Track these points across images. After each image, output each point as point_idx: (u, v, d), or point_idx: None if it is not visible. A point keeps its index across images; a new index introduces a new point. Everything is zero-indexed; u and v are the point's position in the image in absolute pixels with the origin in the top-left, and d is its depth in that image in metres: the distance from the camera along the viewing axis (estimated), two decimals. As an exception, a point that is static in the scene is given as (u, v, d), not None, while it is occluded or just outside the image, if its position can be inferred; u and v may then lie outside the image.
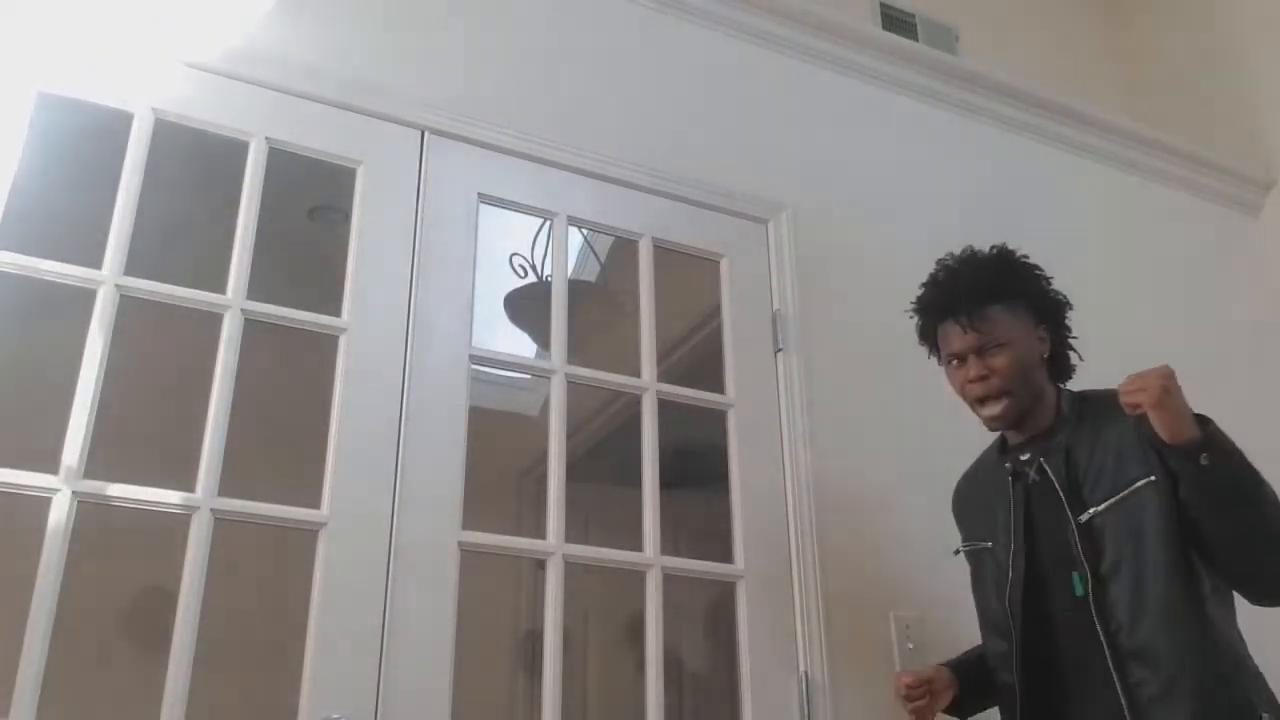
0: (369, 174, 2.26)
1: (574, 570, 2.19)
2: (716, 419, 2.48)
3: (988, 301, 1.87)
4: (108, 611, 2.95)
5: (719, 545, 2.39)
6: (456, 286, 2.26)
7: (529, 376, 2.80)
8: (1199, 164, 3.59)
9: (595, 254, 3.30)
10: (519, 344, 3.06)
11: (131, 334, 1.98)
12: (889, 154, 3.01)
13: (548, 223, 2.53)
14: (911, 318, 1.99)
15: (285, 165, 2.20)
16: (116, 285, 1.96)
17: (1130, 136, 3.47)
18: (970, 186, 3.11)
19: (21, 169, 1.96)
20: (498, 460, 3.33)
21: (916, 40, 3.40)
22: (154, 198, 2.06)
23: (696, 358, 2.79)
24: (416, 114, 2.34)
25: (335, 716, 1.82)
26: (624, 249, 2.78)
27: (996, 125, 3.24)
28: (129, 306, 1.96)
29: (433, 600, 2.00)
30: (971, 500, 2.00)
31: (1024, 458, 1.85)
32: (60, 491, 1.80)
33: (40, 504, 1.78)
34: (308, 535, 1.97)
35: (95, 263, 1.96)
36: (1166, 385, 1.64)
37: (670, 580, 2.27)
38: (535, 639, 2.48)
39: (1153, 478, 1.69)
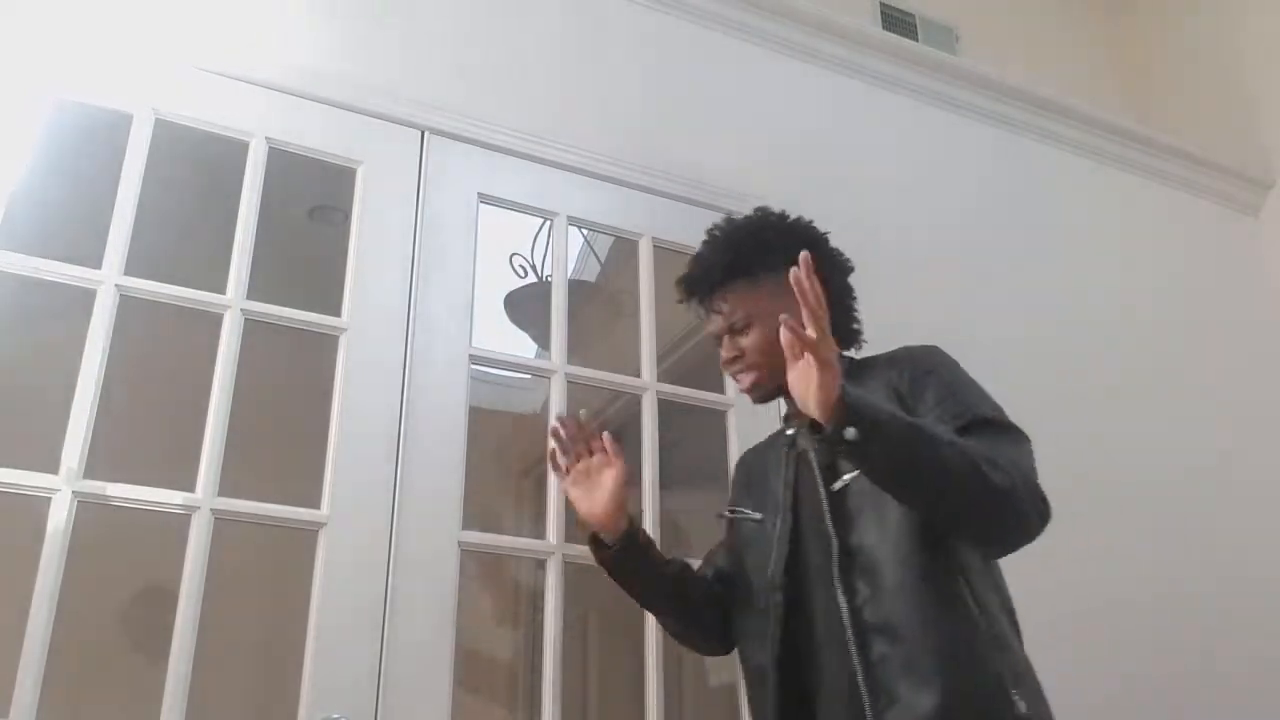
0: (369, 174, 2.26)
1: (574, 570, 2.19)
2: (716, 419, 2.48)
3: (726, 281, 1.72)
4: (108, 611, 2.95)
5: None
6: (456, 286, 2.26)
7: (529, 376, 2.80)
8: (1199, 164, 3.59)
9: (595, 254, 3.30)
10: (519, 344, 3.06)
11: (131, 334, 1.98)
12: (889, 154, 3.01)
13: (548, 223, 2.53)
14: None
15: (285, 165, 2.21)
16: (116, 285, 1.96)
17: (1130, 136, 3.47)
18: (970, 186, 3.11)
19: (22, 169, 1.96)
20: (498, 460, 3.34)
21: (916, 40, 3.40)
22: (154, 198, 2.06)
23: (696, 358, 2.79)
24: (416, 114, 2.34)
25: (335, 716, 1.82)
26: (624, 249, 2.78)
27: (996, 125, 3.24)
28: (129, 306, 1.96)
29: (433, 600, 2.00)
30: (753, 470, 1.77)
31: (789, 431, 1.69)
32: (60, 491, 1.80)
33: (40, 504, 1.78)
34: (308, 535, 1.96)
35: (95, 263, 1.96)
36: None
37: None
38: (535, 639, 2.47)
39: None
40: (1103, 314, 3.16)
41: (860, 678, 1.44)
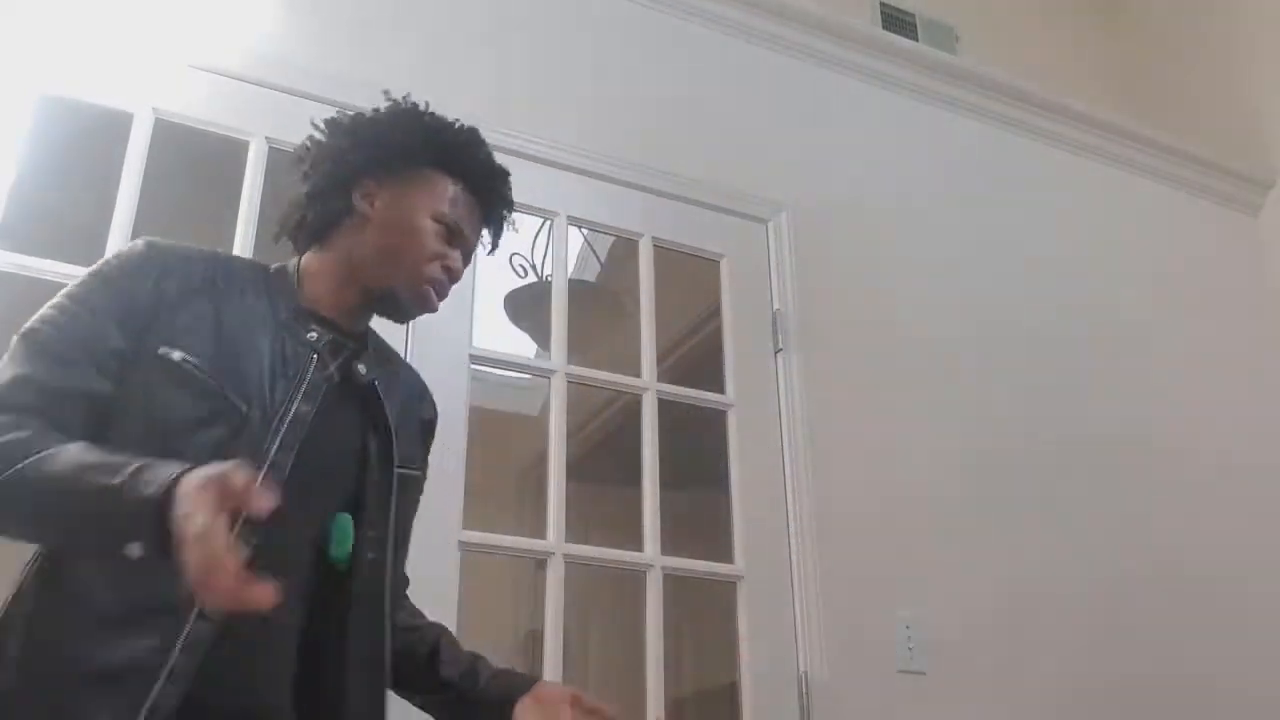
0: (369, 174, 2.26)
1: (574, 570, 2.19)
2: (716, 419, 2.48)
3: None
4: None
5: (719, 545, 2.39)
6: (456, 286, 2.25)
7: (529, 376, 2.80)
8: (1199, 164, 3.59)
9: (595, 254, 3.30)
10: (519, 344, 3.06)
11: (131, 334, 1.97)
12: (889, 154, 3.01)
13: (548, 223, 2.53)
14: (455, 183, 1.40)
15: (285, 165, 2.20)
16: (116, 285, 1.95)
17: (1130, 136, 3.47)
18: (970, 186, 3.11)
19: (22, 169, 1.96)
20: (498, 460, 3.34)
21: (916, 40, 3.40)
22: (154, 198, 2.05)
23: (696, 358, 2.79)
24: (416, 114, 2.33)
25: (335, 716, 1.82)
26: (624, 249, 2.78)
27: (996, 125, 3.24)
28: (129, 306, 1.96)
29: (433, 600, 1.99)
30: (214, 311, 1.26)
31: (322, 340, 1.31)
32: (60, 491, 1.79)
33: (40, 504, 1.78)
34: (308, 535, 1.96)
35: (95, 263, 1.95)
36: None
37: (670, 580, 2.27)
38: (535, 639, 2.47)
39: (422, 474, 1.44)
40: (1103, 313, 3.16)
41: None
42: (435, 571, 2.02)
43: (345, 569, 1.29)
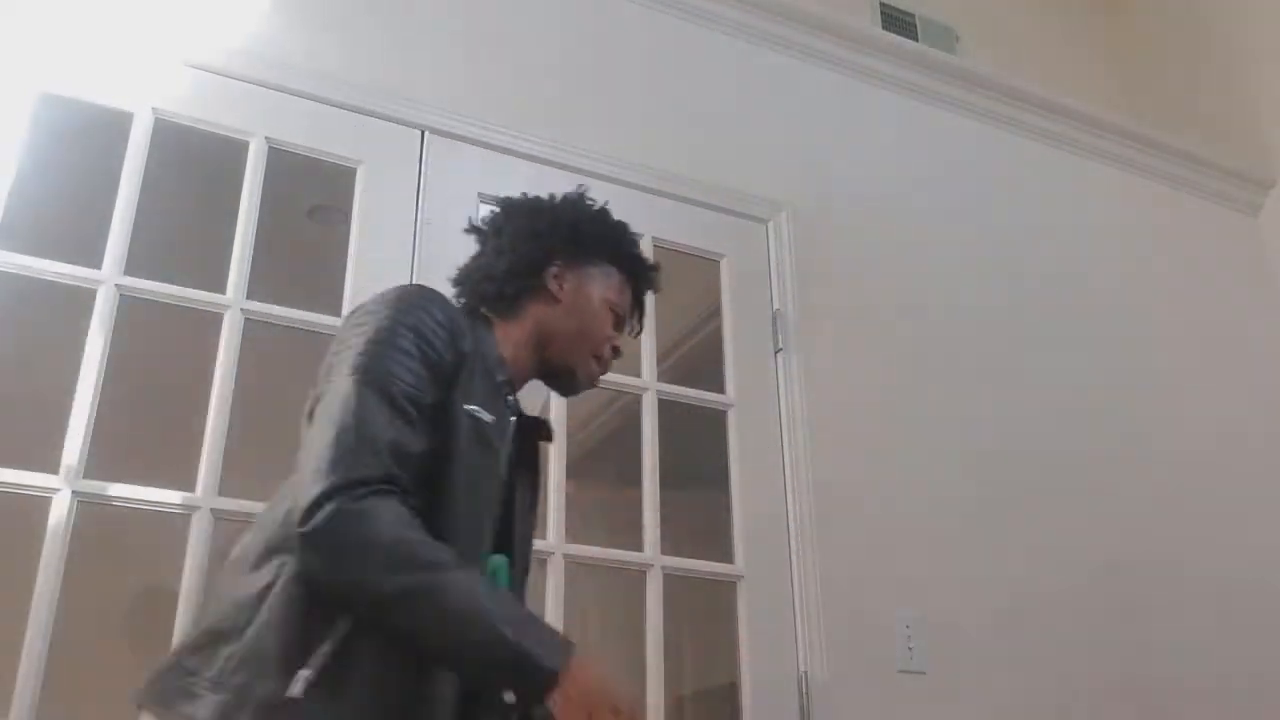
0: (369, 174, 2.26)
1: (574, 570, 2.19)
2: (716, 419, 2.47)
3: None
4: (108, 611, 2.95)
5: (719, 545, 2.39)
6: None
7: (529, 376, 2.79)
8: (1199, 164, 3.59)
9: (595, 254, 3.29)
10: (519, 344, 3.05)
11: (131, 334, 1.98)
12: (889, 154, 3.01)
13: (548, 223, 2.53)
14: (624, 277, 1.60)
15: (285, 165, 2.20)
16: (116, 285, 1.96)
17: (1130, 136, 3.47)
18: (970, 186, 3.11)
19: (21, 169, 1.95)
20: (498, 460, 3.32)
21: (916, 40, 3.40)
22: (154, 198, 2.05)
23: (696, 358, 2.79)
24: (416, 114, 2.34)
25: (335, 716, 1.82)
26: (624, 249, 2.77)
27: (996, 125, 3.24)
28: (129, 306, 1.96)
29: (433, 600, 2.00)
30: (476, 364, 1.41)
31: (515, 405, 1.47)
32: (60, 491, 1.80)
33: (40, 504, 1.78)
34: (308, 535, 1.96)
35: (95, 263, 1.96)
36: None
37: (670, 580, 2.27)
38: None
39: None
40: (1103, 313, 3.16)
41: None
42: (435, 571, 2.02)
43: None
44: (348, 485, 1.15)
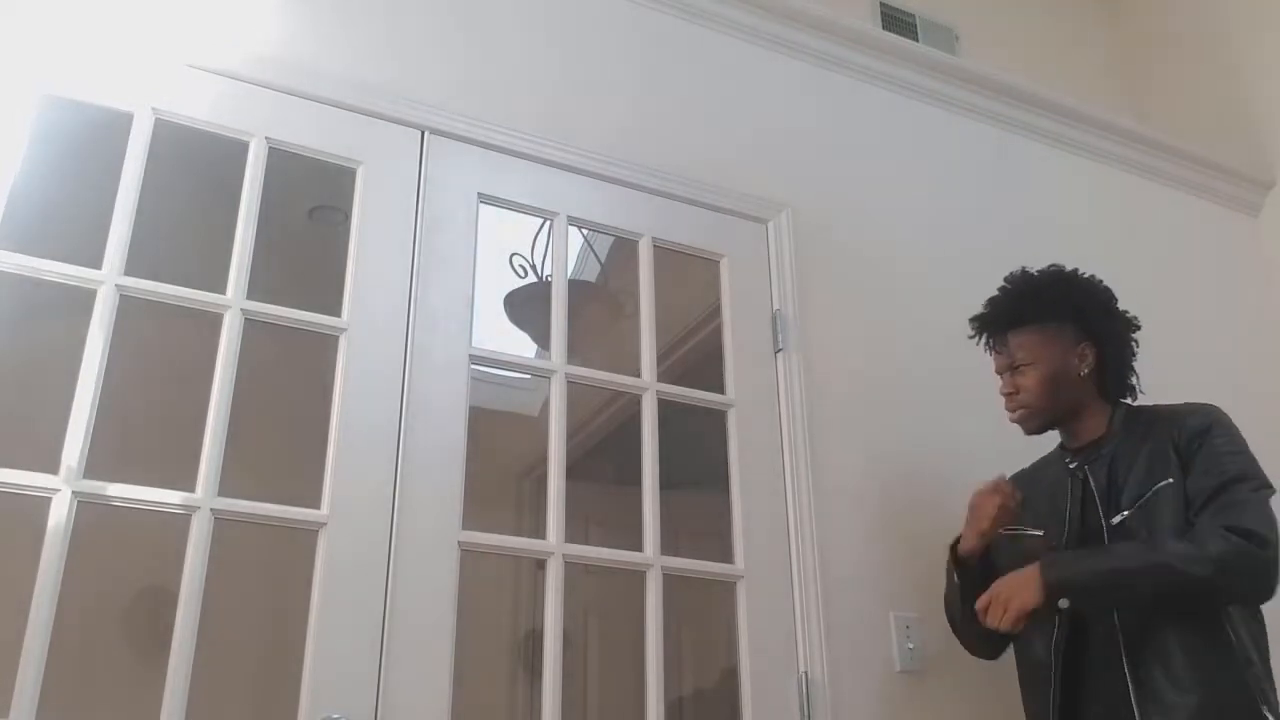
0: (369, 174, 2.26)
1: (574, 570, 2.19)
2: (716, 419, 2.48)
3: (1016, 325, 2.05)
4: (108, 611, 2.95)
5: (719, 545, 2.39)
6: (456, 286, 2.26)
7: (529, 376, 2.80)
8: (1199, 164, 3.59)
9: (595, 254, 3.29)
10: (519, 344, 3.06)
11: (131, 334, 1.98)
12: (889, 154, 3.01)
13: (548, 223, 2.53)
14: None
15: (285, 165, 2.20)
16: (116, 285, 1.96)
17: (1130, 136, 3.47)
18: (970, 186, 3.11)
19: (21, 169, 1.96)
20: (498, 460, 3.34)
21: (916, 40, 3.40)
22: (154, 198, 2.06)
23: (696, 358, 2.79)
24: (416, 114, 2.34)
25: (335, 716, 1.82)
26: (624, 249, 2.78)
27: (996, 125, 3.24)
28: (129, 306, 1.96)
29: (433, 600, 2.00)
30: (1029, 490, 2.06)
31: (1072, 465, 2.03)
32: (60, 491, 1.80)
33: (40, 504, 1.78)
34: (308, 535, 1.96)
35: (95, 263, 1.96)
36: (1012, 597, 1.83)
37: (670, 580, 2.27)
38: (535, 639, 2.48)
39: (1170, 480, 1.83)
40: (1103, 314, 3.16)
41: (1132, 694, 1.75)
42: (434, 571, 2.02)
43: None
44: None
